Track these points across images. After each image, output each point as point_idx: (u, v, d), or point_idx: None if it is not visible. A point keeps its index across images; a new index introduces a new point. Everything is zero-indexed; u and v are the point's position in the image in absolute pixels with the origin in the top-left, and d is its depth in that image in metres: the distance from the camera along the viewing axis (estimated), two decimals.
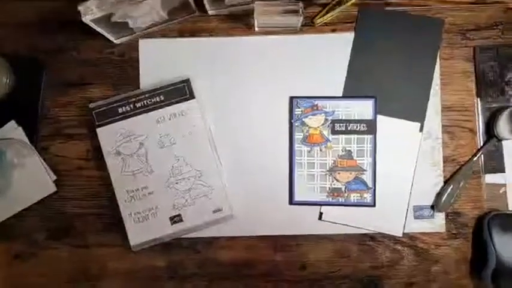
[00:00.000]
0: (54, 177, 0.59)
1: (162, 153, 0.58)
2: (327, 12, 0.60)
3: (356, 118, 0.59)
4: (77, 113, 0.60)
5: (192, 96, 0.59)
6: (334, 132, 0.59)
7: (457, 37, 0.60)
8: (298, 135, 0.59)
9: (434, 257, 0.59)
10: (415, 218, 0.59)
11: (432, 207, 0.59)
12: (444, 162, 0.59)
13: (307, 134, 0.59)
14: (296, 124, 0.59)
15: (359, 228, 0.59)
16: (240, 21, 0.60)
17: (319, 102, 0.59)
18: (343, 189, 0.59)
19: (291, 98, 0.60)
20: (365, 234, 0.59)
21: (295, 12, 0.56)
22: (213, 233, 0.59)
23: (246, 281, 0.59)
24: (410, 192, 0.59)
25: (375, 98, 0.59)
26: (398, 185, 0.59)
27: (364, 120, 0.59)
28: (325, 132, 0.59)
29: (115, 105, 0.59)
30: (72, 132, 0.60)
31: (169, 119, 0.58)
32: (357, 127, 0.59)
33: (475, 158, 0.59)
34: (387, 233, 0.59)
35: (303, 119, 0.59)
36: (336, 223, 0.59)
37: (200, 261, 0.59)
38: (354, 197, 0.59)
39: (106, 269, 0.59)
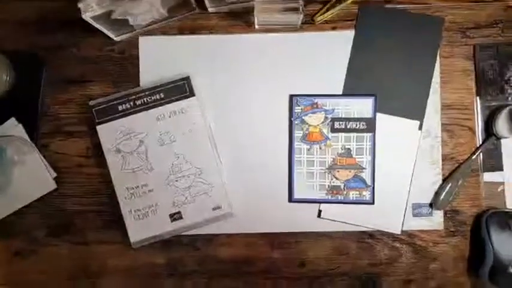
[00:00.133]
0: (54, 175, 0.59)
1: (162, 150, 0.58)
2: (327, 10, 0.60)
3: (356, 116, 0.59)
4: (77, 110, 0.60)
5: (192, 93, 0.59)
6: (333, 130, 0.59)
7: (457, 35, 0.60)
8: (297, 133, 0.59)
9: (432, 254, 0.59)
10: (414, 215, 0.59)
11: (431, 205, 0.59)
12: (443, 160, 0.60)
13: (306, 132, 0.59)
14: (296, 122, 0.59)
15: (358, 225, 0.59)
16: (240, 19, 0.60)
17: (319, 100, 0.59)
18: (342, 187, 0.59)
19: (291, 96, 0.60)
20: (364, 232, 0.60)
21: (296, 9, 0.56)
22: (212, 230, 0.59)
23: (246, 278, 0.59)
24: (409, 190, 0.59)
25: (375, 96, 0.59)
26: (397, 183, 0.59)
27: (363, 119, 0.59)
28: (325, 130, 0.59)
29: (115, 102, 0.59)
30: (72, 129, 0.60)
31: (169, 117, 0.59)
32: (356, 125, 0.59)
33: (474, 157, 0.59)
34: (386, 230, 0.59)
35: (303, 117, 0.59)
36: (335, 221, 0.59)
37: (200, 258, 0.59)
38: (353, 195, 0.59)
39: (106, 266, 0.59)
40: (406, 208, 0.59)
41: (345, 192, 0.59)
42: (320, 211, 0.59)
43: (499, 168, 0.59)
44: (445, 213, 0.59)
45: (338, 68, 0.60)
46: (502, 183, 0.59)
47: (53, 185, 0.59)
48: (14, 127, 0.59)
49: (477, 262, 0.58)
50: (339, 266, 0.60)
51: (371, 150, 0.59)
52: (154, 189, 0.58)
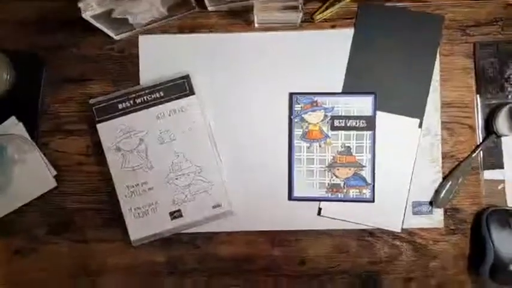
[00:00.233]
0: (55, 173, 0.60)
1: (162, 149, 0.58)
2: (326, 8, 0.60)
3: (355, 114, 0.59)
4: (77, 108, 0.60)
5: (191, 92, 0.59)
6: (333, 128, 0.59)
7: (457, 33, 0.60)
8: (297, 131, 0.59)
9: (432, 252, 0.59)
10: (414, 213, 0.59)
11: (431, 203, 0.59)
12: (443, 158, 0.60)
13: (306, 130, 0.59)
14: (295, 120, 0.59)
15: (358, 223, 0.59)
16: (240, 18, 0.60)
17: (319, 99, 0.60)
18: (342, 185, 0.59)
19: (291, 94, 0.60)
20: (364, 230, 0.59)
21: (295, 8, 0.56)
22: (212, 228, 0.59)
23: (246, 276, 0.59)
24: (409, 188, 0.59)
25: (375, 94, 0.59)
26: (397, 181, 0.59)
27: (363, 117, 0.59)
28: (325, 128, 0.59)
29: (115, 101, 0.59)
30: (73, 128, 0.60)
31: (169, 115, 0.59)
32: (356, 123, 0.59)
33: (474, 154, 0.59)
34: (386, 228, 0.59)
35: (303, 115, 0.59)
36: (334, 219, 0.59)
37: (200, 256, 0.59)
38: (352, 193, 0.59)
39: (106, 264, 0.59)
40: (406, 206, 0.59)
41: (345, 190, 0.59)
42: (320, 209, 0.59)
43: (500, 166, 0.59)
44: (445, 211, 0.59)
45: (338, 66, 0.60)
46: (503, 181, 0.59)
47: (53, 183, 0.59)
48: (14, 126, 0.59)
49: (477, 260, 0.58)
50: (339, 264, 0.60)
51: (371, 148, 0.59)
52: (154, 187, 0.58)
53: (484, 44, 0.60)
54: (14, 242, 0.59)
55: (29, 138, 0.59)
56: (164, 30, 0.61)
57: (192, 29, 0.61)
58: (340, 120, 0.59)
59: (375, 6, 0.60)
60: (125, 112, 0.59)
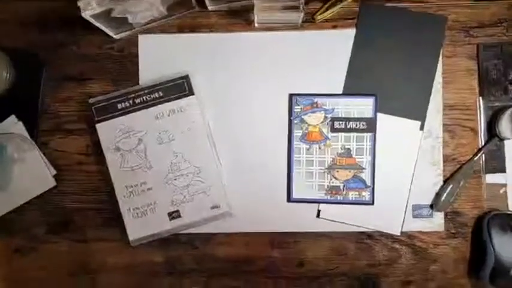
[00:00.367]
0: (54, 172, 0.60)
1: (160, 149, 0.58)
2: (327, 9, 0.59)
3: (356, 116, 0.59)
4: (76, 108, 0.60)
5: (191, 92, 0.59)
6: (333, 130, 0.59)
7: (460, 34, 0.59)
8: (297, 133, 0.59)
9: (432, 256, 0.59)
10: (414, 217, 0.59)
11: (431, 206, 0.59)
12: (444, 161, 0.59)
13: (306, 131, 0.59)
14: (295, 121, 0.59)
15: (357, 226, 0.59)
16: (240, 17, 0.60)
17: (319, 100, 0.59)
18: (341, 187, 0.59)
19: (291, 95, 0.59)
20: (363, 233, 0.59)
21: (296, 8, 0.55)
22: (211, 229, 0.59)
23: (244, 277, 0.59)
24: (410, 191, 0.59)
25: (376, 96, 0.59)
26: (398, 184, 0.59)
27: (364, 118, 0.58)
28: (325, 130, 0.59)
29: (114, 100, 0.59)
30: (72, 127, 0.60)
31: (168, 115, 0.58)
32: (356, 125, 0.59)
33: (476, 158, 0.58)
34: (385, 231, 0.59)
35: (302, 117, 0.59)
36: (333, 221, 0.59)
37: (198, 257, 0.59)
38: (352, 195, 0.59)
39: (105, 264, 0.59)
40: (406, 209, 0.59)
41: (344, 193, 0.59)
42: (319, 211, 0.59)
43: (502, 169, 0.59)
44: (446, 215, 0.59)
45: (338, 67, 0.59)
46: (505, 185, 0.59)
47: (52, 183, 0.59)
48: (14, 125, 0.59)
49: (478, 264, 0.58)
50: (338, 266, 0.59)
51: (371, 151, 0.58)
52: (153, 187, 0.58)
53: (487, 46, 0.59)
54: (14, 241, 0.60)
55: (29, 137, 0.59)
56: (164, 30, 0.60)
57: (192, 29, 0.60)
58: (340, 122, 0.59)
59: (377, 6, 0.60)
60: (124, 112, 0.58)
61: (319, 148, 0.59)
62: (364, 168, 0.58)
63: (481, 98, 0.59)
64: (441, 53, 0.59)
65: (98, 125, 0.58)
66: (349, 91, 0.59)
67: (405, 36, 0.59)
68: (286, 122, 0.59)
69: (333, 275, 0.59)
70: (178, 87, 0.59)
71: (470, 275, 0.59)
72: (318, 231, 0.59)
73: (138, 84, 0.60)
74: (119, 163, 0.58)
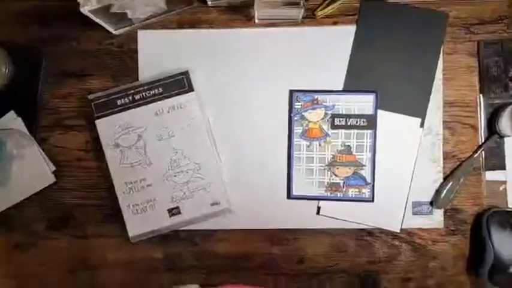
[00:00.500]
0: (54, 168, 0.60)
1: (160, 145, 0.58)
2: (328, 5, 0.59)
3: (356, 113, 0.58)
4: (76, 104, 0.60)
5: (191, 88, 0.58)
6: (333, 126, 0.59)
7: (461, 31, 0.59)
8: (297, 130, 0.59)
9: (431, 253, 0.59)
10: (414, 214, 0.59)
11: (431, 203, 0.59)
12: (444, 158, 0.59)
13: (306, 128, 0.59)
14: (295, 118, 0.59)
15: (357, 223, 0.59)
16: (240, 13, 0.60)
17: (319, 96, 0.59)
18: (341, 184, 0.59)
19: (291, 92, 0.59)
20: (363, 229, 0.59)
21: (296, 4, 0.55)
22: (211, 225, 0.59)
23: (244, 274, 0.59)
24: (409, 188, 0.58)
25: (376, 92, 0.58)
26: (398, 181, 0.59)
27: (364, 115, 0.58)
28: (325, 127, 0.59)
29: (114, 97, 0.58)
30: (72, 123, 0.60)
31: (168, 112, 0.58)
32: (356, 122, 0.58)
33: (476, 155, 0.58)
34: (385, 228, 0.59)
35: (303, 113, 0.59)
36: (333, 218, 0.59)
37: (198, 253, 0.59)
38: (352, 192, 0.59)
39: (105, 260, 0.59)
40: (406, 206, 0.59)
41: (344, 190, 0.59)
42: (319, 208, 0.59)
43: (502, 167, 0.59)
44: (446, 212, 0.59)
45: (339, 64, 0.59)
46: (504, 182, 0.59)
47: (52, 179, 0.59)
48: (13, 120, 0.59)
49: (477, 261, 0.58)
50: (338, 263, 0.59)
51: (371, 148, 0.58)
52: (153, 184, 0.58)
53: (488, 43, 0.59)
54: (14, 237, 0.59)
55: (28, 133, 0.59)
56: (163, 25, 0.60)
57: (192, 25, 0.60)
58: (341, 119, 0.58)
59: (378, 2, 0.59)
60: (124, 108, 0.58)
61: (320, 145, 0.59)
62: (364, 165, 0.58)
63: (481, 95, 0.59)
64: (442, 49, 0.59)
65: (97, 121, 0.58)
66: (349, 88, 0.59)
67: (406, 33, 0.59)
68: (286, 118, 0.59)
69: (332, 271, 0.59)
70: (178, 84, 0.58)
71: (469, 271, 0.59)
72: (318, 228, 0.59)
73: (137, 80, 0.60)
74: (119, 159, 0.58)
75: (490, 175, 0.59)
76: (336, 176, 0.59)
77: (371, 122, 0.58)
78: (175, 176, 0.58)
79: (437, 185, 0.59)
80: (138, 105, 0.58)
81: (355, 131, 0.58)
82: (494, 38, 0.59)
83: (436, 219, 0.59)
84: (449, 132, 0.59)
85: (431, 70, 0.59)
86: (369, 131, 0.58)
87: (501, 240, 0.56)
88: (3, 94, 0.58)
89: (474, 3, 0.59)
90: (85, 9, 0.51)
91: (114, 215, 0.59)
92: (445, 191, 0.58)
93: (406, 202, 0.59)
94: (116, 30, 0.59)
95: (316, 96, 0.59)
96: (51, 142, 0.60)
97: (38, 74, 0.60)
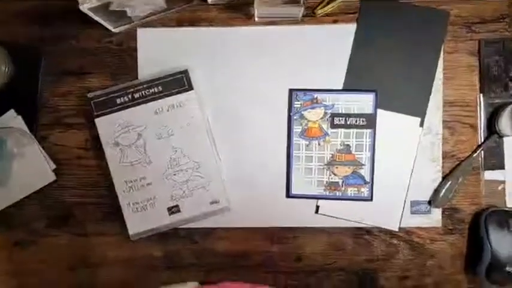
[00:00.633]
0: (54, 166, 0.60)
1: (160, 144, 0.58)
2: (328, 3, 0.58)
3: (356, 112, 0.58)
4: (75, 102, 0.60)
5: (190, 87, 0.58)
6: (333, 126, 0.59)
7: (462, 30, 0.59)
8: (296, 129, 0.59)
9: (429, 251, 0.59)
10: (412, 213, 0.59)
11: (429, 202, 0.59)
12: (443, 158, 0.59)
13: (305, 127, 0.59)
14: (295, 117, 0.59)
15: (355, 222, 0.59)
16: (240, 11, 0.59)
17: (319, 96, 0.59)
18: (340, 183, 0.59)
19: (290, 91, 0.59)
20: (361, 228, 0.59)
21: (296, 2, 0.55)
22: (210, 224, 0.59)
23: (244, 272, 0.60)
24: (408, 188, 0.59)
25: (376, 92, 0.58)
26: (396, 180, 0.59)
27: (364, 114, 0.58)
28: (324, 126, 0.59)
29: (113, 95, 0.58)
30: (72, 121, 0.60)
31: (168, 110, 0.58)
32: (356, 121, 0.58)
33: (475, 154, 0.58)
34: (383, 227, 0.59)
35: (302, 112, 0.59)
36: (332, 217, 0.59)
37: (197, 251, 0.60)
38: (351, 191, 0.59)
39: (105, 257, 0.60)
40: (404, 205, 0.59)
41: (343, 189, 0.59)
42: (318, 207, 0.59)
43: (501, 166, 0.59)
44: (444, 211, 0.59)
45: (339, 63, 0.59)
46: (503, 182, 0.59)
47: (52, 177, 0.59)
48: (13, 119, 0.59)
49: (474, 260, 0.58)
50: (335, 261, 0.60)
51: (370, 147, 0.58)
52: (153, 182, 0.58)
53: (489, 42, 0.59)
54: (14, 235, 0.60)
55: (28, 132, 0.59)
56: (163, 23, 0.60)
57: (191, 23, 0.60)
58: (340, 118, 0.58)
59: (378, 0, 0.59)
60: (123, 107, 0.58)
61: (319, 144, 0.59)
62: (363, 165, 0.58)
63: (481, 94, 0.59)
64: (442, 48, 0.59)
65: (97, 120, 0.58)
66: (349, 87, 0.59)
67: (406, 32, 0.58)
68: (286, 117, 0.59)
69: (331, 269, 0.60)
70: (178, 82, 0.58)
71: (466, 270, 0.59)
72: (317, 227, 0.59)
73: (137, 78, 0.59)
74: (118, 158, 0.58)
75: (489, 175, 0.59)
76: (335, 175, 0.59)
77: (370, 122, 0.58)
78: (174, 174, 0.58)
79: (436, 184, 0.59)
80: (138, 104, 0.58)
81: (355, 130, 0.58)
82: (496, 37, 0.59)
83: (434, 218, 0.59)
84: (449, 131, 0.59)
85: (432, 69, 0.59)
86: (369, 130, 0.58)
87: (499, 240, 0.56)
88: (3, 93, 0.59)
89: (475, 2, 0.59)
90: (84, 7, 0.51)
91: (114, 213, 0.59)
92: (443, 191, 0.58)
93: (405, 201, 0.59)
94: (115, 28, 0.59)
95: (315, 95, 0.59)
96: (51, 140, 0.60)
97: (38, 72, 0.60)
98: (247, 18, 0.60)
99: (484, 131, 0.59)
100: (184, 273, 0.60)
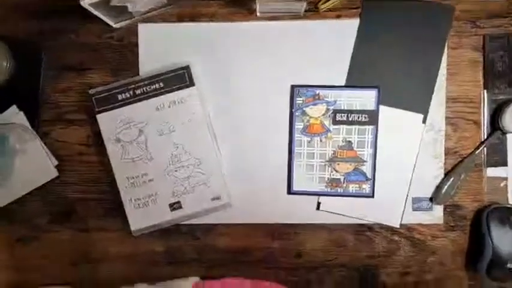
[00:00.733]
0: (56, 162, 0.60)
1: (161, 140, 0.58)
2: None
3: (358, 108, 0.58)
4: (76, 98, 0.60)
5: (191, 83, 0.58)
6: (335, 122, 0.58)
7: (467, 25, 0.58)
8: (298, 125, 0.59)
9: (430, 248, 0.59)
10: (414, 209, 0.59)
11: (431, 199, 0.59)
12: (446, 154, 0.59)
13: (307, 123, 0.59)
14: (296, 114, 0.59)
15: (357, 218, 0.59)
16: (242, 6, 0.59)
17: (321, 92, 0.58)
18: (342, 179, 0.59)
19: (292, 87, 0.59)
20: (362, 225, 0.59)
21: None
22: (211, 220, 0.59)
23: (245, 268, 0.60)
24: (410, 184, 0.58)
25: (378, 88, 0.58)
26: (398, 177, 0.59)
27: (366, 111, 0.58)
28: (326, 123, 0.58)
29: (115, 91, 0.58)
30: (73, 117, 0.60)
31: (169, 107, 0.58)
32: (358, 117, 0.58)
33: (478, 151, 0.58)
34: (385, 223, 0.59)
35: (304, 109, 0.59)
36: (333, 213, 0.59)
37: (199, 247, 0.60)
38: (352, 188, 0.59)
39: (107, 253, 0.60)
40: (406, 202, 0.59)
41: (345, 185, 0.59)
42: (319, 203, 0.59)
43: (503, 163, 0.58)
44: (445, 208, 0.59)
45: (341, 58, 0.58)
46: (505, 179, 0.58)
47: (54, 173, 0.60)
48: (15, 115, 0.59)
49: (475, 256, 0.58)
50: (336, 257, 0.60)
51: (373, 143, 0.58)
52: (154, 178, 0.58)
53: (494, 37, 0.58)
54: (16, 231, 0.60)
55: (30, 128, 0.59)
56: (164, 19, 0.59)
57: (192, 18, 0.59)
58: (342, 114, 0.58)
59: None
60: (125, 103, 0.58)
61: (321, 141, 0.58)
62: (365, 161, 0.58)
63: (485, 90, 0.58)
64: (446, 44, 0.58)
65: (98, 116, 0.58)
66: (351, 83, 0.58)
67: (410, 27, 0.58)
68: (288, 114, 0.59)
69: (332, 265, 0.60)
70: (179, 78, 0.58)
71: (467, 267, 0.59)
72: (318, 223, 0.59)
73: (138, 74, 0.59)
74: (120, 154, 0.58)
75: (492, 171, 0.59)
76: (337, 171, 0.59)
77: (373, 118, 0.58)
78: (176, 170, 0.58)
79: (438, 181, 0.59)
80: (139, 100, 0.58)
81: (357, 126, 0.58)
82: (500, 32, 0.58)
83: (436, 215, 0.59)
84: (452, 128, 0.59)
85: (435, 65, 0.58)
86: (371, 127, 0.58)
87: (500, 236, 0.56)
88: (4, 89, 0.58)
89: None
90: (85, 3, 0.50)
91: (116, 209, 0.59)
92: (445, 187, 0.58)
93: (406, 198, 0.59)
94: (116, 23, 0.59)
95: (317, 92, 0.58)
96: (52, 136, 0.60)
97: (39, 68, 0.59)
98: (249, 13, 0.59)
99: (487, 127, 0.59)
100: (185, 268, 0.60)
